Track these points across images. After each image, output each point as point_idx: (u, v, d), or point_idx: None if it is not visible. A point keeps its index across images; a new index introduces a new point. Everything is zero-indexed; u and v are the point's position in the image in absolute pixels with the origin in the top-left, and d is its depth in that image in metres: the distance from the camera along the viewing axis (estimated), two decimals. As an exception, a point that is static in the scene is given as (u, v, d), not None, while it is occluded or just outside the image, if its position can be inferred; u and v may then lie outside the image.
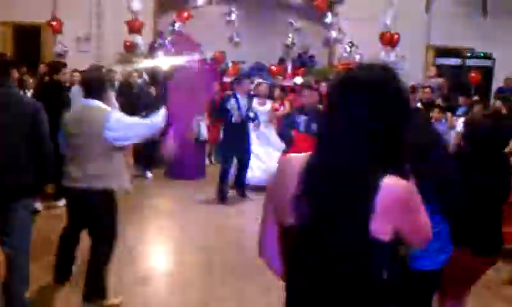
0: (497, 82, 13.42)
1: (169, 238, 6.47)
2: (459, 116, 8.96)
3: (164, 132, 4.50)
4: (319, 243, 1.64)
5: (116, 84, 10.16)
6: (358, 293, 1.65)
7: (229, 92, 8.96)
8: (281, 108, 9.73)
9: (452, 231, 3.04)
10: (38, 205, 6.58)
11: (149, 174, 9.18)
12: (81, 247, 4.63)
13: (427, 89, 9.90)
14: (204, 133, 9.72)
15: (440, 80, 11.95)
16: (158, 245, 6.19)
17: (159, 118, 4.36)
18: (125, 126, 4.15)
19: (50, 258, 4.70)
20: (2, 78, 3.74)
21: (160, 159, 9.38)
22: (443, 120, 8.53)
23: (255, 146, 8.46)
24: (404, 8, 13.13)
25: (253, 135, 8.35)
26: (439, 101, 9.97)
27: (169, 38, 12.57)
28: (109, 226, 4.32)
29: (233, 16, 13.93)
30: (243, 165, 8.06)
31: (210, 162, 10.54)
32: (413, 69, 12.32)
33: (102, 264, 4.36)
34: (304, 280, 1.71)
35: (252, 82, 9.71)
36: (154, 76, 10.53)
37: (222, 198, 7.86)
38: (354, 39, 12.86)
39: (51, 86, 6.94)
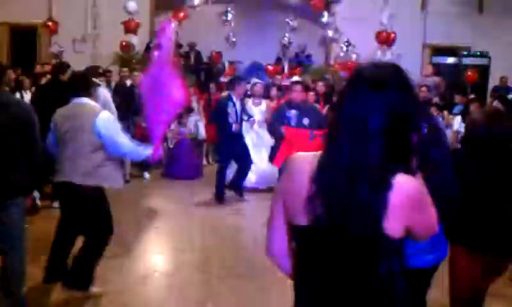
0: (494, 81, 13.46)
1: (167, 238, 6.47)
2: (456, 114, 8.99)
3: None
4: (332, 243, 1.64)
5: (112, 84, 10.15)
6: (371, 292, 1.65)
7: (224, 94, 8.93)
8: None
9: (449, 231, 3.04)
10: (38, 202, 6.60)
11: (147, 175, 9.17)
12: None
13: (424, 88, 9.91)
14: (202, 132, 9.73)
15: (437, 78, 11.97)
16: (156, 245, 6.18)
17: (143, 151, 4.42)
18: (110, 136, 4.22)
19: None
20: None
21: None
22: (440, 119, 8.55)
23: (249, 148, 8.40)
24: (400, 7, 13.14)
25: (246, 137, 8.26)
26: (436, 99, 9.99)
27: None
28: (99, 222, 4.37)
29: (230, 16, 13.90)
30: (244, 170, 8.00)
31: (208, 162, 10.53)
32: (410, 68, 12.11)
33: (91, 257, 4.42)
34: (316, 280, 1.71)
35: (248, 82, 9.72)
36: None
37: (219, 198, 7.85)
38: (350, 38, 12.86)
39: (54, 86, 6.88)
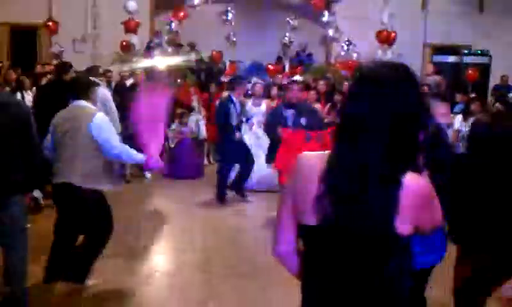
0: (494, 80, 13.45)
1: (168, 238, 6.46)
2: (457, 113, 8.98)
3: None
4: (341, 242, 1.64)
5: (113, 84, 10.14)
6: (380, 291, 1.65)
7: (225, 95, 8.91)
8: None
9: (452, 230, 3.05)
10: (41, 201, 6.61)
11: (148, 175, 9.16)
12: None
13: (425, 87, 9.90)
14: (203, 132, 9.72)
15: (438, 77, 11.96)
16: (157, 245, 6.17)
17: (136, 155, 4.48)
18: (102, 138, 4.28)
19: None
20: None
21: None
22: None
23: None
24: (401, 6, 13.13)
25: (245, 138, 8.21)
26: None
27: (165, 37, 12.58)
28: (99, 222, 4.42)
29: (230, 16, 13.89)
30: (245, 171, 7.96)
31: (209, 161, 10.52)
32: (410, 67, 12.30)
33: (90, 255, 4.49)
34: (325, 279, 1.70)
35: (249, 82, 9.70)
36: (150, 76, 10.50)
37: (221, 198, 7.83)
38: (351, 37, 12.86)
39: (56, 86, 6.86)
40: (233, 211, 7.46)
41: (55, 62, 11.40)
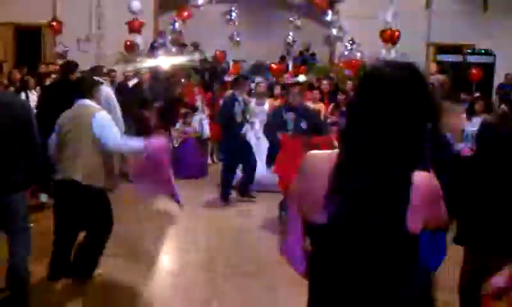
0: (498, 79, 13.42)
1: (172, 237, 6.47)
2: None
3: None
4: (352, 240, 1.65)
5: (116, 84, 10.15)
6: (391, 288, 1.66)
7: (228, 93, 8.91)
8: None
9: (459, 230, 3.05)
10: (45, 200, 6.64)
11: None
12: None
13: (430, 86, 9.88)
14: (206, 131, 9.73)
15: (442, 77, 11.92)
16: (161, 245, 6.17)
17: (136, 143, 4.59)
18: (106, 132, 4.39)
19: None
20: None
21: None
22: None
23: None
24: (405, 5, 13.10)
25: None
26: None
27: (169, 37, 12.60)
28: (99, 219, 4.50)
29: (234, 15, 13.89)
30: (250, 172, 7.93)
31: (213, 161, 10.53)
32: (418, 65, 12.26)
33: (91, 253, 4.59)
34: (334, 278, 1.71)
35: (252, 81, 9.71)
36: (155, 76, 10.52)
37: (225, 198, 7.84)
38: (354, 36, 12.83)
39: (62, 86, 6.86)
40: (237, 211, 7.47)
41: (59, 62, 11.44)
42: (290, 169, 6.47)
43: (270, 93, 9.74)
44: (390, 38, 12.75)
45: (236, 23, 13.87)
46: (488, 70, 13.57)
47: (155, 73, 10.70)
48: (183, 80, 11.21)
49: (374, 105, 1.63)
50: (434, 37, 14.33)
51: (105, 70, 9.32)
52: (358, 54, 12.64)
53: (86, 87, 4.67)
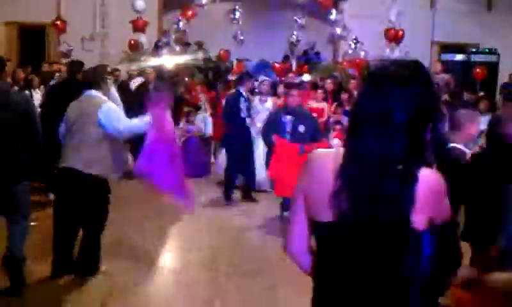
0: (502, 78, 13.37)
1: (174, 236, 6.48)
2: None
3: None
4: (358, 237, 1.65)
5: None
6: (397, 285, 1.66)
7: (232, 91, 8.91)
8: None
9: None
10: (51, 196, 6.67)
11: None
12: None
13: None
14: (209, 130, 9.74)
15: (446, 76, 11.90)
16: (164, 244, 6.19)
17: (142, 122, 4.67)
18: (113, 119, 4.51)
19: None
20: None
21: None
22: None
23: None
24: (409, 4, 13.08)
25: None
26: (445, 97, 9.92)
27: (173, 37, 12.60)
28: (95, 210, 4.59)
29: (238, 14, 13.88)
30: (250, 174, 7.93)
31: (216, 159, 10.52)
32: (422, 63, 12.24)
33: (91, 246, 4.67)
34: (340, 275, 1.71)
35: (256, 80, 9.71)
36: (159, 75, 10.52)
37: (228, 197, 7.84)
38: (358, 36, 12.82)
39: (70, 85, 6.88)
40: (239, 210, 7.47)
41: (63, 61, 11.47)
42: (283, 173, 6.50)
43: (273, 92, 9.74)
44: (394, 37, 12.73)
45: (240, 22, 13.86)
46: (492, 69, 13.52)
47: (159, 72, 10.70)
48: (186, 79, 11.22)
49: (379, 103, 1.64)
50: (438, 36, 14.30)
51: (109, 69, 9.32)
52: (362, 53, 12.63)
53: (93, 77, 4.77)
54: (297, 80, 10.76)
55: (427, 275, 1.72)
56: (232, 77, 11.88)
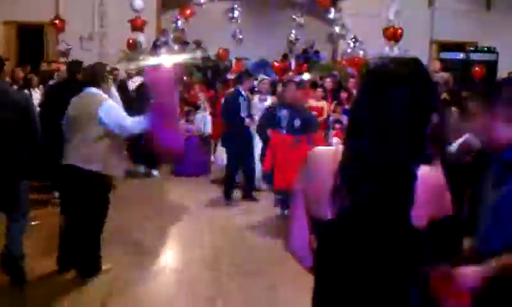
0: (501, 76, 13.33)
1: (176, 235, 6.47)
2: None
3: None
4: (357, 235, 1.65)
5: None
6: (397, 283, 1.66)
7: (231, 89, 8.90)
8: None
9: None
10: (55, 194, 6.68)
11: (155, 172, 9.18)
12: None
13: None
14: (208, 129, 9.72)
15: (445, 74, 11.90)
16: (165, 243, 6.18)
17: (143, 121, 4.61)
18: (115, 116, 4.52)
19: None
20: None
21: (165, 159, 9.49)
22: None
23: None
24: (407, 3, 13.08)
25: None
26: (444, 95, 9.92)
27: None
28: (95, 207, 4.58)
29: (236, 13, 13.88)
30: (250, 174, 7.91)
31: (215, 157, 10.50)
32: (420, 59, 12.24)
33: (90, 245, 4.66)
34: (340, 273, 1.71)
35: (256, 79, 9.70)
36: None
37: (228, 196, 7.83)
38: (357, 34, 12.82)
39: (70, 85, 6.87)
40: (239, 209, 7.46)
41: (61, 60, 11.46)
42: (280, 165, 6.52)
43: (273, 90, 9.73)
44: (392, 35, 12.73)
45: (239, 21, 13.86)
46: (491, 67, 13.54)
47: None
48: (185, 78, 11.21)
49: (378, 101, 1.63)
50: (437, 35, 14.31)
51: (107, 68, 9.29)
52: (361, 52, 12.63)
53: (93, 75, 4.76)
54: (297, 79, 10.74)
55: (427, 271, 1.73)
56: (231, 76, 11.88)
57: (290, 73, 12.23)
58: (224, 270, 5.24)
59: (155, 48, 12.74)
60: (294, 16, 13.93)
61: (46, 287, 4.51)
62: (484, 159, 3.38)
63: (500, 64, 13.66)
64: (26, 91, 8.17)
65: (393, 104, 1.61)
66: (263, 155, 7.26)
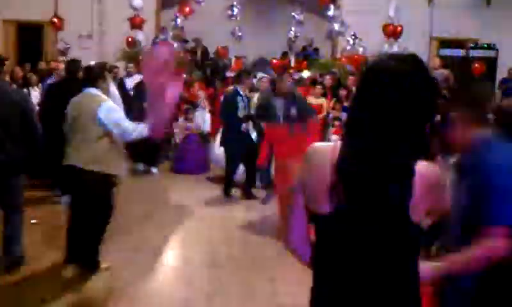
0: (501, 73, 13.38)
1: (174, 232, 6.46)
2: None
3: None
4: (355, 229, 1.66)
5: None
6: (395, 277, 1.67)
7: (230, 88, 8.89)
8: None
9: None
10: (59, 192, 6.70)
11: (154, 170, 9.19)
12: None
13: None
14: (207, 126, 9.72)
15: (445, 71, 11.89)
16: (165, 239, 6.17)
17: (144, 128, 4.67)
18: (113, 117, 4.54)
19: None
20: None
21: (164, 156, 9.56)
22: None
23: None
24: (407, -1, 13.07)
25: None
26: (444, 92, 9.91)
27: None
28: (97, 207, 4.59)
29: (236, 11, 13.84)
30: (251, 172, 7.91)
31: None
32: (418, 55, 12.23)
33: (91, 241, 4.70)
34: (338, 268, 1.72)
35: (255, 77, 9.69)
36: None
37: (227, 193, 7.83)
38: (357, 31, 12.79)
39: (69, 84, 6.85)
40: (239, 206, 7.47)
41: (60, 59, 11.43)
42: (280, 166, 6.51)
43: (272, 88, 9.71)
44: (392, 32, 12.72)
45: (238, 18, 13.82)
46: (491, 64, 13.54)
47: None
48: (184, 76, 11.19)
49: (378, 98, 1.63)
50: (437, 31, 14.27)
51: (107, 67, 9.28)
52: (360, 49, 12.61)
53: (93, 76, 4.76)
54: (296, 76, 10.74)
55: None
56: (230, 74, 11.87)
57: (290, 71, 12.21)
58: (224, 267, 5.24)
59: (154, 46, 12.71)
60: (293, 14, 13.88)
61: (44, 287, 4.50)
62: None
63: (500, 60, 13.65)
64: (25, 89, 8.17)
65: (393, 101, 1.61)
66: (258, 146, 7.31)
